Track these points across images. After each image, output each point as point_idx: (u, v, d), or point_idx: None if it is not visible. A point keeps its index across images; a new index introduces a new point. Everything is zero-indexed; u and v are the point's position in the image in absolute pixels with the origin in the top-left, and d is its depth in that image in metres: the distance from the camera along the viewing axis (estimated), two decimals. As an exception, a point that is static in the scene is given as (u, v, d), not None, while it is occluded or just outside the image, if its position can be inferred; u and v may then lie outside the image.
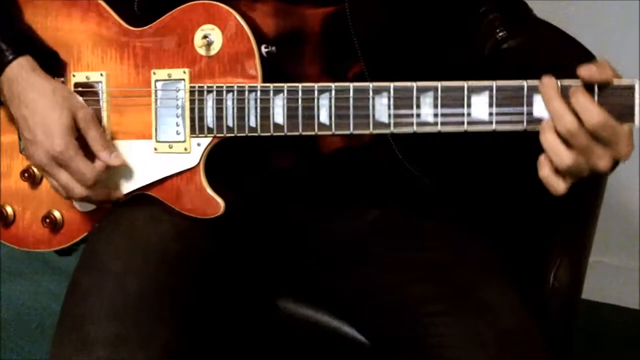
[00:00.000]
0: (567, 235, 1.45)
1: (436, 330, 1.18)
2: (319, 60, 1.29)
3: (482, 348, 1.15)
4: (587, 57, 1.31)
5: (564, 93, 1.07)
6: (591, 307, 2.34)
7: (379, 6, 1.27)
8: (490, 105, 1.10)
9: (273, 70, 1.21)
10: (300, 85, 1.17)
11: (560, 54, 1.30)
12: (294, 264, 1.39)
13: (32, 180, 1.31)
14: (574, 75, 1.07)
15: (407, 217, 1.33)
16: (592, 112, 1.05)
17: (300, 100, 1.17)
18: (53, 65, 1.28)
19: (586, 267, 1.45)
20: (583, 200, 1.47)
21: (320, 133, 1.17)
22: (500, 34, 1.32)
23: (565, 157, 1.07)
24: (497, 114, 1.10)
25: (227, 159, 1.25)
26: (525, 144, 1.13)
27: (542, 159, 1.09)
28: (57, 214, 1.30)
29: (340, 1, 1.26)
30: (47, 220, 1.30)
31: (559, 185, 1.09)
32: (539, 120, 1.09)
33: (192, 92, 1.22)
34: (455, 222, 1.34)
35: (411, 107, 1.13)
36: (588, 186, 1.44)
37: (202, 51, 1.22)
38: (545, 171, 1.09)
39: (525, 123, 1.10)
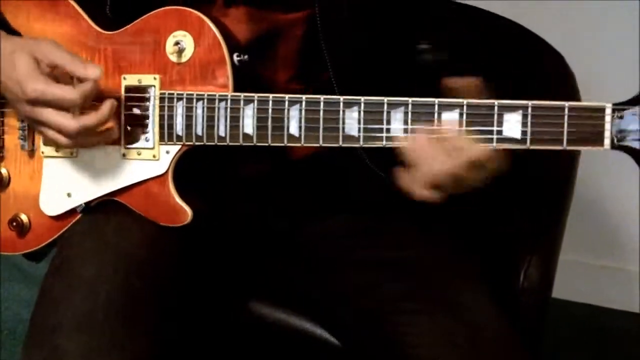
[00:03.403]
0: (537, 234, 1.46)
1: (408, 329, 1.18)
2: (290, 65, 1.28)
3: (455, 347, 1.15)
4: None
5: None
6: (592, 312, 2.36)
7: (348, 12, 1.26)
8: (461, 123, 1.09)
9: (245, 78, 1.20)
10: (270, 95, 1.16)
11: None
12: (268, 268, 1.39)
13: None
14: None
15: (378, 218, 1.33)
16: (471, 149, 1.08)
17: (270, 111, 1.16)
18: None
19: (556, 265, 1.46)
20: (552, 199, 1.48)
21: (289, 144, 1.16)
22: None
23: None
24: (467, 131, 1.09)
25: (197, 166, 1.24)
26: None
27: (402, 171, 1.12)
28: (24, 217, 1.29)
29: (311, 6, 1.25)
30: (14, 223, 1.28)
31: (422, 192, 1.14)
32: (509, 140, 1.08)
33: (162, 99, 1.20)
34: (426, 222, 1.34)
35: (381, 122, 1.12)
36: (556, 185, 1.46)
37: (173, 58, 1.20)
38: (405, 179, 1.14)
39: (495, 141, 1.09)
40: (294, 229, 1.35)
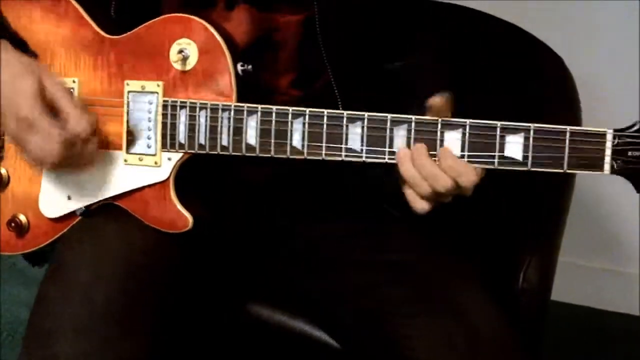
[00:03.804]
0: (536, 236, 1.47)
1: (407, 331, 1.20)
2: (291, 70, 1.29)
3: (454, 348, 1.17)
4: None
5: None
6: (592, 314, 2.37)
7: (346, 13, 1.27)
8: (463, 142, 1.10)
9: (247, 86, 1.20)
10: (274, 107, 1.17)
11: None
12: (267, 269, 1.40)
13: (-2, 183, 1.30)
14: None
15: (378, 223, 1.35)
16: (469, 174, 1.10)
17: (273, 123, 1.17)
18: None
19: (555, 267, 1.47)
20: (551, 201, 1.50)
21: (292, 157, 1.17)
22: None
23: (426, 190, 1.11)
24: (469, 151, 1.10)
25: (199, 172, 1.24)
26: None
27: (404, 184, 1.13)
28: (22, 217, 1.29)
29: (310, 8, 1.25)
30: (13, 224, 1.28)
31: (422, 206, 1.14)
32: (510, 161, 1.10)
33: (164, 106, 1.20)
34: (426, 224, 1.35)
35: (384, 139, 1.13)
36: (556, 187, 1.47)
37: (177, 65, 1.20)
38: (408, 193, 1.14)
39: (496, 163, 1.10)
40: (294, 230, 1.36)
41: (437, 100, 1.11)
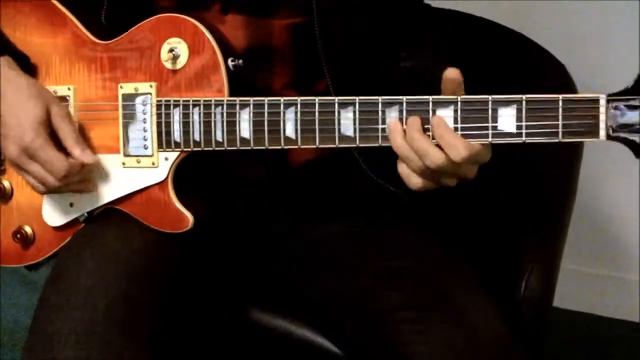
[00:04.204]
0: (538, 243, 1.45)
1: (408, 338, 1.18)
2: (286, 73, 1.28)
3: (454, 350, 1.15)
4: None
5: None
6: (592, 321, 2.34)
7: (348, 20, 1.26)
8: (455, 119, 1.09)
9: (240, 84, 1.20)
10: (266, 99, 1.16)
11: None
12: (267, 274, 1.39)
13: (2, 195, 1.30)
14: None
15: (379, 226, 1.33)
16: (459, 148, 1.06)
17: (266, 114, 1.16)
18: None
19: (557, 274, 1.45)
20: (553, 208, 1.47)
21: (286, 147, 1.16)
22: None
23: (417, 164, 1.09)
24: (462, 128, 1.09)
25: (197, 172, 1.24)
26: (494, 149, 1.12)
27: (398, 160, 1.11)
28: (28, 229, 1.29)
29: (309, 13, 1.25)
30: (18, 235, 1.29)
31: (416, 182, 1.12)
32: (504, 134, 1.08)
33: (158, 107, 1.21)
34: (427, 230, 1.34)
35: (377, 121, 1.12)
36: (557, 194, 1.45)
37: (168, 65, 1.20)
38: (402, 168, 1.12)
39: (490, 136, 1.08)
40: (295, 234, 1.35)
41: (453, 72, 1.09)
